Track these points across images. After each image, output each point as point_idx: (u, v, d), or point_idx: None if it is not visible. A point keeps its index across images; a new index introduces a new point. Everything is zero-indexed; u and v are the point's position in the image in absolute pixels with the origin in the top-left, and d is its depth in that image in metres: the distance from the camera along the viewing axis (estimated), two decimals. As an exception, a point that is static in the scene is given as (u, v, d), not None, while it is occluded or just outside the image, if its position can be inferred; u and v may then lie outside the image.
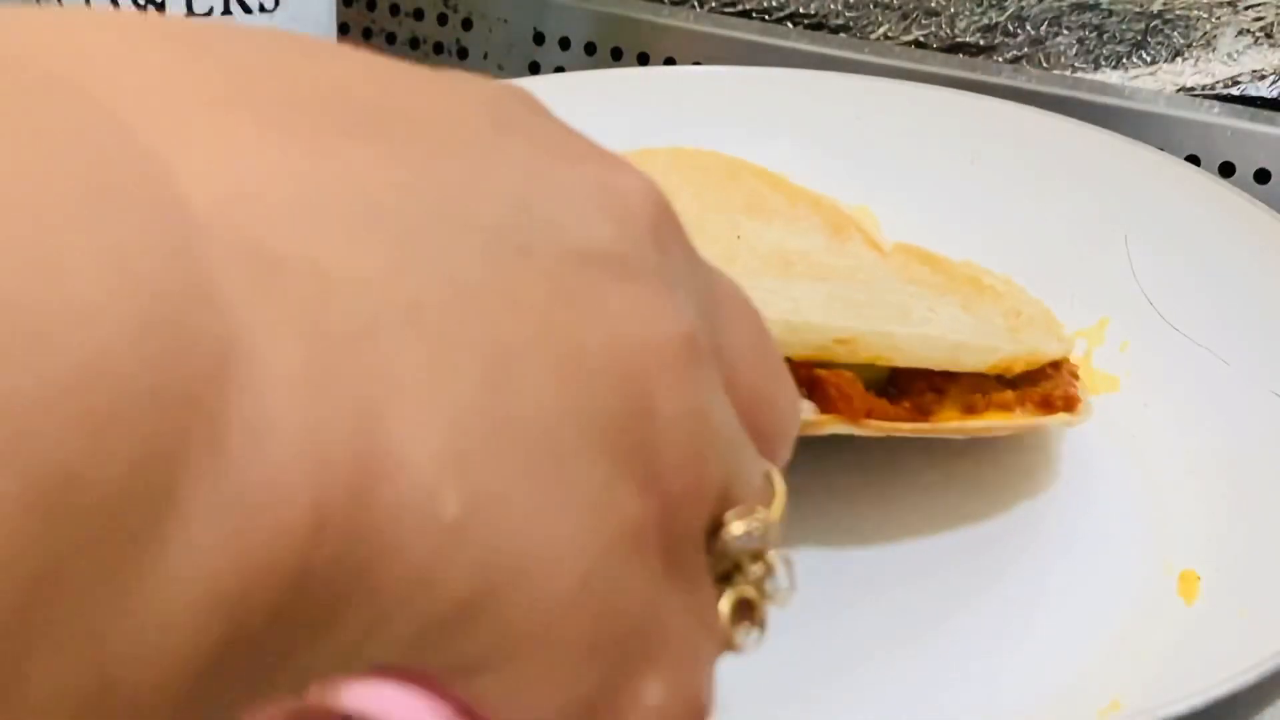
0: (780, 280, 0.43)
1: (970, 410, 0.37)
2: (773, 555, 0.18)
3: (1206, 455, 0.40)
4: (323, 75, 0.15)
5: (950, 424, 0.37)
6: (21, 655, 0.11)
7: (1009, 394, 0.38)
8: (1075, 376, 0.40)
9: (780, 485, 0.19)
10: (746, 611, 0.18)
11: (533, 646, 0.15)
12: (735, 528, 0.17)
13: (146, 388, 0.11)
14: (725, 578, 0.18)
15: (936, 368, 0.36)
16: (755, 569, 0.18)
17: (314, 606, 0.13)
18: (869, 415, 0.35)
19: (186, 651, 0.12)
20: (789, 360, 0.35)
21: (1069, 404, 0.38)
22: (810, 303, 0.39)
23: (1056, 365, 0.39)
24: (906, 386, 0.37)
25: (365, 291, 0.13)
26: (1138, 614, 0.35)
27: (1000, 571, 0.37)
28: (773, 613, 0.19)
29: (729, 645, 0.18)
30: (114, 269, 0.11)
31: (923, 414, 0.37)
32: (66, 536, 0.11)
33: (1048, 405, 0.38)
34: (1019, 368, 0.38)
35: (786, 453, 0.20)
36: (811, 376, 0.35)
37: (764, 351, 0.20)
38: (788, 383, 0.20)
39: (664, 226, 0.18)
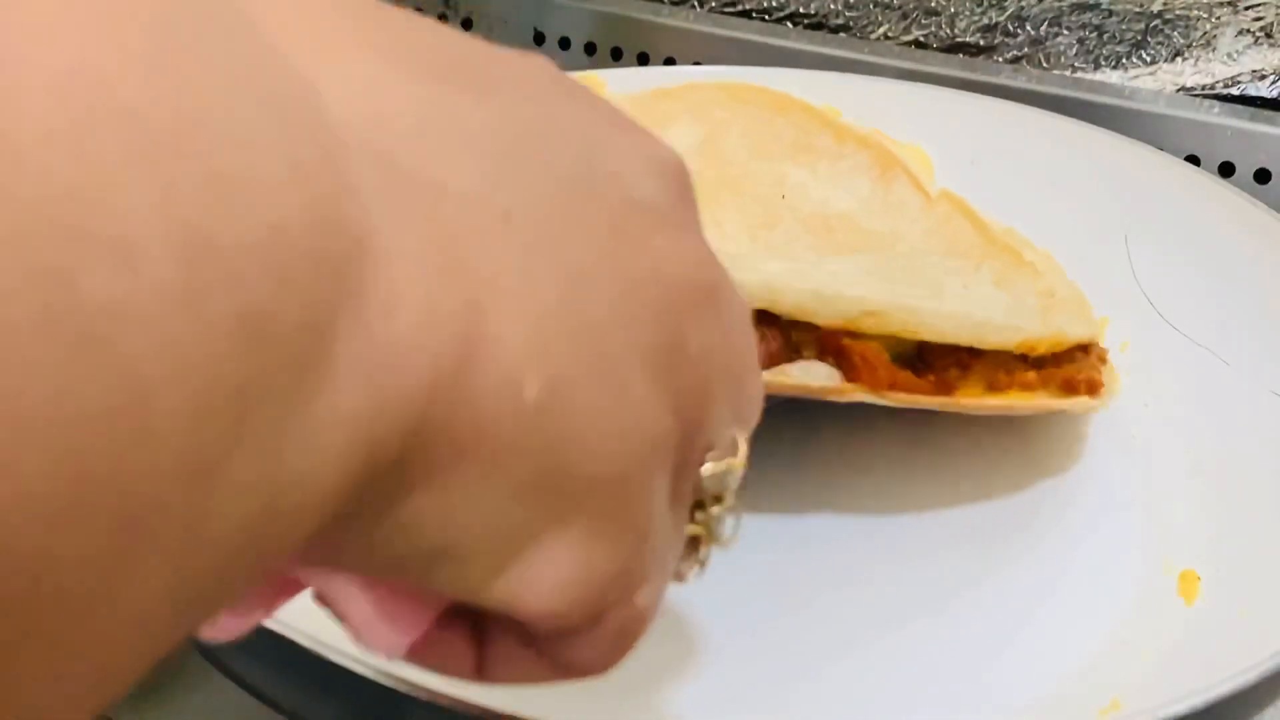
0: (818, 253, 0.43)
1: (993, 388, 0.37)
2: (729, 501, 0.21)
3: (1206, 455, 0.40)
4: (425, 34, 0.18)
5: (970, 400, 0.37)
6: (222, 457, 0.13)
7: (1032, 374, 0.38)
8: (1103, 360, 0.40)
9: (744, 444, 0.21)
10: (693, 547, 0.21)
11: (583, 516, 0.17)
12: (709, 468, 0.20)
13: (312, 253, 0.13)
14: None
15: (961, 343, 0.37)
16: (713, 511, 0.21)
17: (422, 462, 0.15)
18: (891, 387, 0.36)
19: (330, 483, 0.14)
20: (819, 328, 0.36)
21: (1092, 388, 0.38)
22: (847, 276, 0.40)
23: (1085, 349, 0.39)
24: (933, 361, 0.37)
25: (469, 202, 0.16)
26: (1138, 614, 0.35)
27: (1000, 571, 0.37)
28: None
29: (676, 574, 0.21)
30: (288, 161, 0.13)
31: (946, 388, 0.37)
32: (258, 360, 0.13)
33: (1070, 387, 0.38)
34: (1043, 349, 0.38)
35: (750, 425, 0.22)
36: (839, 345, 0.36)
37: (746, 334, 0.22)
38: (757, 370, 0.22)
39: (689, 193, 0.20)
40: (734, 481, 0.20)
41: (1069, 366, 0.38)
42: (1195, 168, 0.49)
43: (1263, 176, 0.53)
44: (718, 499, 0.21)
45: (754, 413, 0.22)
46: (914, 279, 0.41)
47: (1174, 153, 0.50)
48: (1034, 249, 0.44)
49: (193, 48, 0.13)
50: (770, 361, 0.36)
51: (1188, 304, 0.44)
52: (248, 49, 0.14)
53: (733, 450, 0.21)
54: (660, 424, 0.18)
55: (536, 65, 0.20)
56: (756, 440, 0.22)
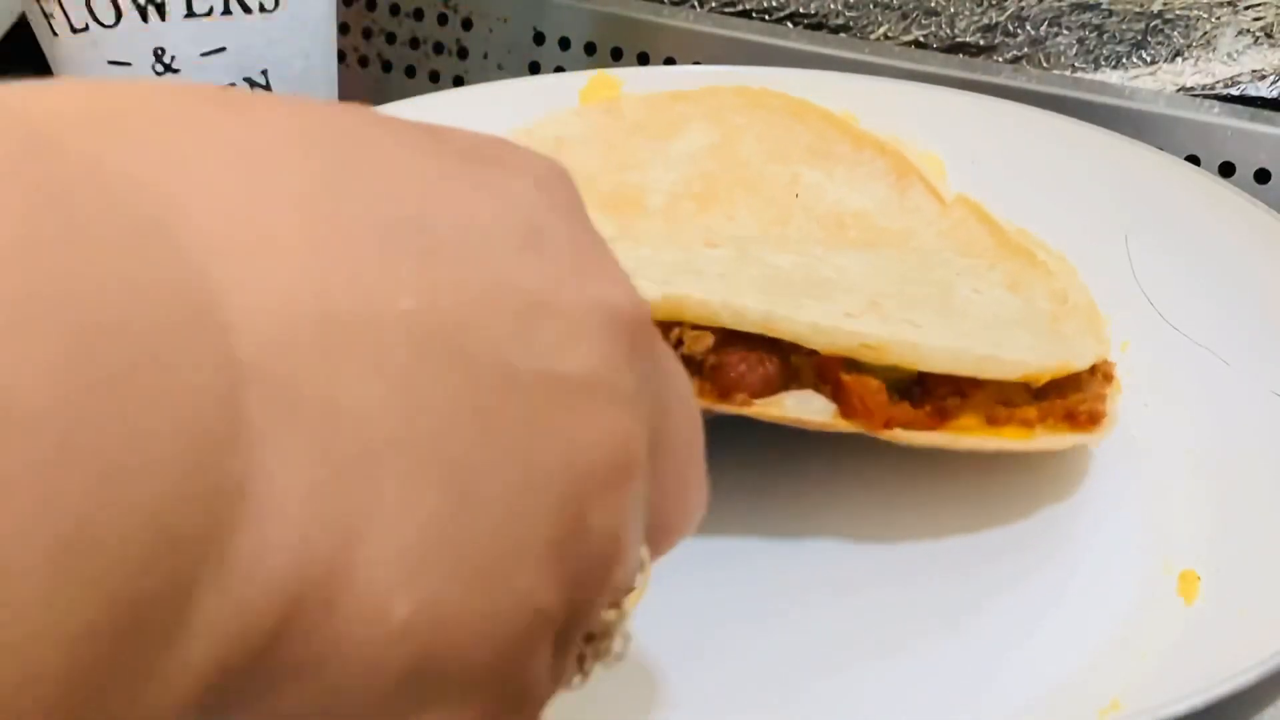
0: (829, 249, 0.43)
1: (992, 421, 0.37)
2: (619, 631, 0.21)
3: (1206, 455, 0.40)
4: (377, 188, 0.17)
5: (966, 439, 0.37)
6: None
7: (1031, 410, 0.37)
8: (1109, 378, 0.39)
9: (646, 577, 0.21)
10: (578, 664, 0.21)
11: (454, 694, 0.18)
12: (604, 615, 0.20)
13: (185, 527, 0.14)
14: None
15: (962, 374, 0.36)
16: (602, 641, 0.21)
17: (280, 671, 0.16)
18: (887, 425, 0.36)
19: (182, 707, 0.15)
20: (819, 356, 0.35)
21: (1093, 419, 0.38)
22: (856, 273, 0.39)
23: (1092, 368, 0.39)
24: (932, 387, 0.37)
25: (364, 424, 0.16)
26: (1138, 614, 0.35)
27: (1000, 571, 0.37)
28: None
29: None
30: (173, 425, 0.14)
31: (942, 418, 0.37)
32: (119, 639, 0.14)
33: (1071, 419, 0.38)
34: (1045, 379, 0.37)
35: (674, 544, 0.23)
36: (837, 378, 0.36)
37: (693, 452, 0.22)
38: (701, 486, 0.23)
39: (642, 339, 0.20)
40: (628, 619, 0.21)
41: (1073, 396, 0.38)
42: (1195, 167, 0.49)
43: (1263, 176, 0.53)
44: (606, 632, 0.21)
45: (680, 533, 0.23)
46: (924, 279, 0.40)
47: (1174, 153, 0.49)
48: (1048, 250, 0.44)
49: (103, 324, 0.13)
50: (766, 387, 0.36)
51: (1188, 304, 0.44)
52: (163, 287, 0.14)
53: (633, 584, 0.21)
54: (547, 607, 0.18)
55: (510, 205, 0.19)
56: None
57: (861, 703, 0.34)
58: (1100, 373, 0.39)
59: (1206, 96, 0.57)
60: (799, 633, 0.35)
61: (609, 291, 0.19)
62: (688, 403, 0.22)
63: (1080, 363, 0.38)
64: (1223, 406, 0.41)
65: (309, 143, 0.17)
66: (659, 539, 0.22)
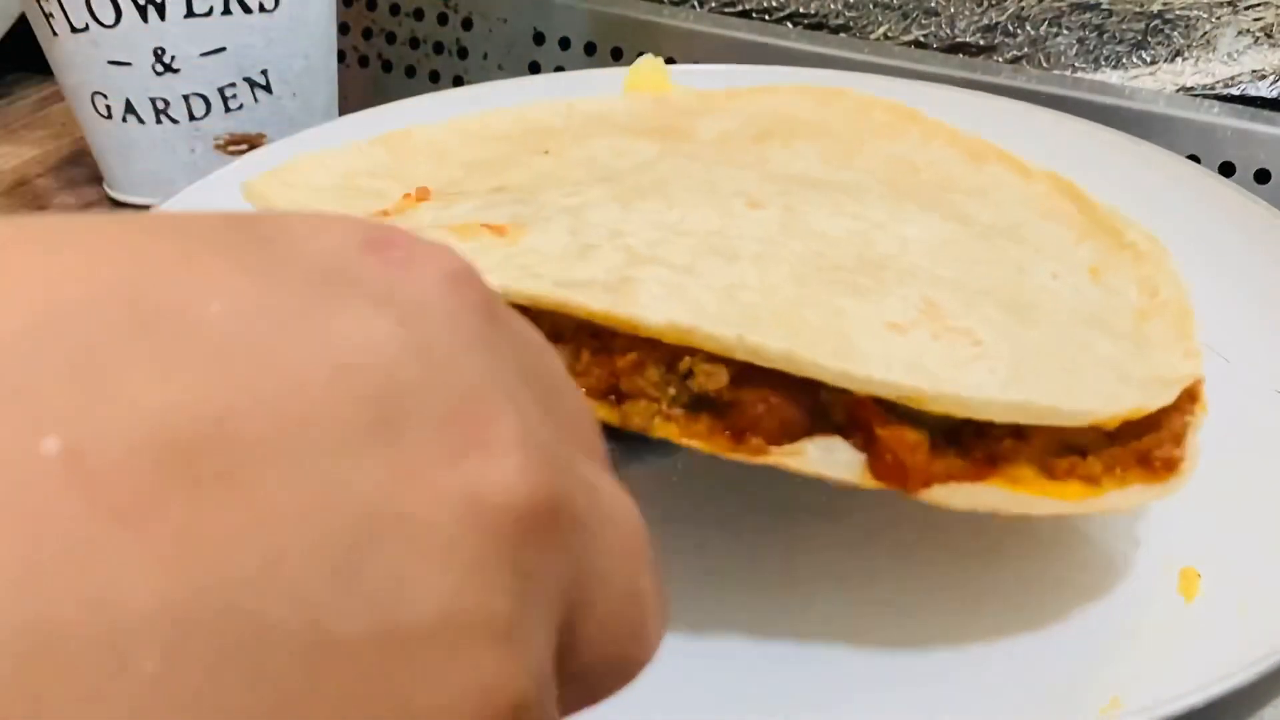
0: (893, 207, 0.38)
1: (1049, 472, 0.32)
2: None
3: (1207, 452, 0.39)
4: (154, 389, 0.13)
5: (1016, 499, 0.31)
6: None
7: (1096, 464, 0.32)
8: (1195, 398, 0.34)
9: None
10: None
11: None
12: None
13: None
14: None
15: (1019, 423, 0.31)
16: None
17: None
18: (927, 485, 0.31)
19: None
20: (855, 397, 0.30)
21: (1169, 466, 0.32)
22: (919, 248, 0.35)
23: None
24: (985, 427, 0.31)
25: None
26: (1138, 611, 0.35)
27: (1000, 568, 0.37)
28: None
29: None
30: None
31: (993, 465, 0.31)
32: None
33: (1145, 464, 0.32)
34: (1115, 424, 0.32)
35: (625, 684, 0.19)
36: (870, 429, 0.31)
37: (634, 602, 0.18)
38: (651, 626, 0.19)
39: (540, 521, 0.15)
40: None
41: (1149, 436, 0.32)
42: (1194, 164, 0.49)
43: (1263, 176, 0.53)
44: None
45: (641, 666, 0.19)
46: (996, 257, 0.37)
47: (1174, 153, 0.50)
48: (1137, 228, 0.41)
49: None
50: (787, 433, 0.31)
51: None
52: None
53: None
54: None
55: (363, 379, 0.14)
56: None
57: (858, 696, 0.33)
58: (1185, 392, 0.33)
59: (1206, 96, 0.57)
60: (794, 626, 0.35)
61: (489, 470, 0.15)
62: (631, 542, 0.18)
63: (1160, 399, 0.32)
64: (1223, 404, 0.40)
65: (58, 334, 0.13)
66: (595, 699, 0.18)
